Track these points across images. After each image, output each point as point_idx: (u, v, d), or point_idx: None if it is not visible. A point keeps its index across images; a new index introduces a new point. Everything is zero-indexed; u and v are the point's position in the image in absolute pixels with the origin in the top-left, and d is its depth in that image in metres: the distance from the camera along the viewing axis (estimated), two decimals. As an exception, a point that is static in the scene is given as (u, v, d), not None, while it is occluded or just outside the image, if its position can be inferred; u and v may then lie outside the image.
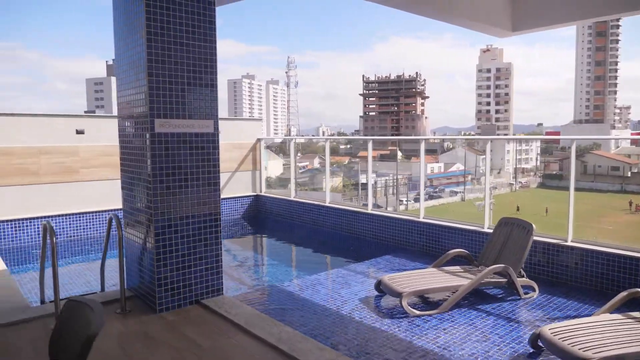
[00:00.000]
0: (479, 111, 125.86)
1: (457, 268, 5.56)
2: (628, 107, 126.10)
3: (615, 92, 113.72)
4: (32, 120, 8.06)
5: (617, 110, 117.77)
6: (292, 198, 9.81)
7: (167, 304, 4.12)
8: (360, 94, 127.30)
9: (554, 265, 5.68)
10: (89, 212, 8.37)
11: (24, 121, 7.96)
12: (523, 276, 5.32)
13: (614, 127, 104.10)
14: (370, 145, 8.33)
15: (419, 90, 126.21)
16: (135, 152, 4.21)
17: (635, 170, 54.32)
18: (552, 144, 61.28)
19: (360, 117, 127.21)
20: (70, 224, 8.20)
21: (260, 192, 10.74)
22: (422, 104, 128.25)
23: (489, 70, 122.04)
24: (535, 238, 5.41)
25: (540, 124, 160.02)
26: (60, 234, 8.08)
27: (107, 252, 4.86)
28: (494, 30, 5.80)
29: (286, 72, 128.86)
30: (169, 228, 4.08)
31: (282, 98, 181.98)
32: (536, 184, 58.10)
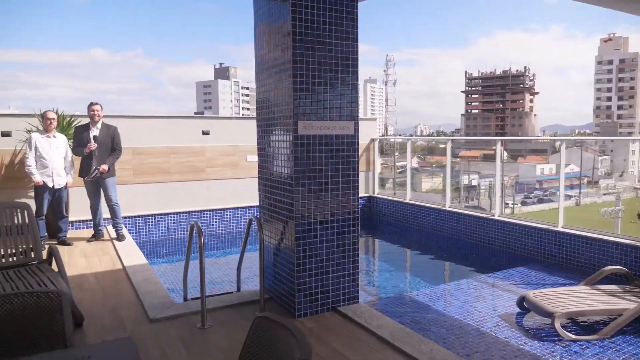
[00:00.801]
0: (597, 107, 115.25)
1: (614, 288, 4.89)
2: None
3: None
4: (162, 121, 8.57)
5: None
6: (407, 200, 9.46)
7: (305, 310, 4.03)
8: (462, 91, 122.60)
9: None
10: (212, 210, 8.71)
11: (155, 123, 8.47)
12: None
13: None
14: (499, 145, 7.73)
15: (527, 86, 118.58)
16: (276, 153, 4.16)
17: None
18: (689, 144, 53.95)
19: (462, 115, 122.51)
20: (194, 220, 8.58)
21: (374, 193, 10.52)
22: (531, 101, 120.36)
23: (610, 62, 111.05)
24: None
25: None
26: (186, 230, 8.50)
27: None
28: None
29: (384, 71, 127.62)
30: (309, 232, 3.98)
31: (379, 97, 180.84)
32: (668, 188, 51.61)
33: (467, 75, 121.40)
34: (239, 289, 4.79)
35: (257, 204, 9.03)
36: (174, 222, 8.43)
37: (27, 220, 4.81)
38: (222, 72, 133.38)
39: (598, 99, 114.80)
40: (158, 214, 8.28)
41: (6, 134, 7.29)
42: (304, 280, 3.99)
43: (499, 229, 7.45)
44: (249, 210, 9.02)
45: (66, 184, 6.67)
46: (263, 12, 4.23)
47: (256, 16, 4.38)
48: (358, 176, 4.20)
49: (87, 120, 6.84)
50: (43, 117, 6.52)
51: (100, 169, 6.54)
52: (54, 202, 6.60)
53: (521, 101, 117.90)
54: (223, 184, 8.87)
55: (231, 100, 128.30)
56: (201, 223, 8.62)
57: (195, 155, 8.61)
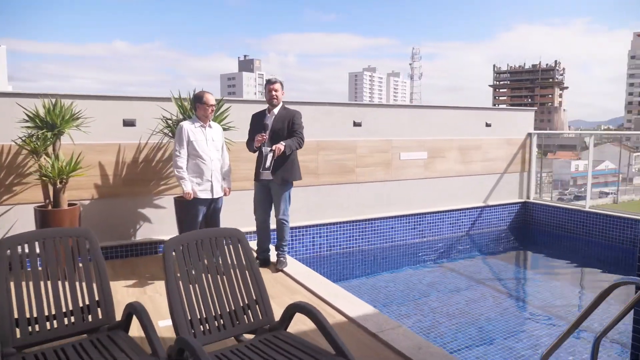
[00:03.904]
0: (629, 103, 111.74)
1: None
2: None
3: None
4: (308, 109, 6.82)
5: None
6: (586, 208, 7.65)
7: None
8: (490, 85, 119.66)
9: None
10: (364, 220, 6.99)
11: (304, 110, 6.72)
12: None
13: None
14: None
15: (557, 81, 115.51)
16: None
17: None
18: None
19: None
20: (342, 234, 6.87)
21: (529, 198, 8.72)
22: (560, 95, 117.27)
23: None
24: None
25: None
26: (335, 246, 6.79)
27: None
28: None
29: (410, 64, 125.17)
30: None
31: (402, 90, 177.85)
32: None
33: (496, 69, 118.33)
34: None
35: (414, 211, 7.30)
36: (320, 236, 6.71)
37: (240, 250, 3.13)
38: (246, 65, 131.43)
39: (630, 94, 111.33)
40: (304, 226, 6.56)
41: (129, 123, 5.59)
42: None
43: None
44: (403, 219, 7.31)
45: (224, 192, 4.94)
46: None
47: None
48: None
49: (264, 107, 5.10)
50: (198, 100, 4.64)
51: (277, 149, 4.62)
52: (209, 216, 4.85)
53: (550, 96, 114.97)
54: (374, 188, 7.12)
55: (255, 93, 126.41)
56: (351, 237, 6.90)
57: (346, 152, 6.86)
